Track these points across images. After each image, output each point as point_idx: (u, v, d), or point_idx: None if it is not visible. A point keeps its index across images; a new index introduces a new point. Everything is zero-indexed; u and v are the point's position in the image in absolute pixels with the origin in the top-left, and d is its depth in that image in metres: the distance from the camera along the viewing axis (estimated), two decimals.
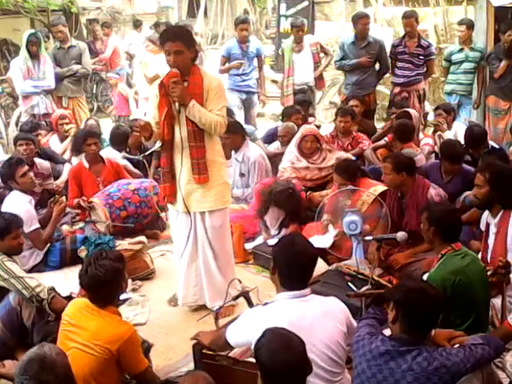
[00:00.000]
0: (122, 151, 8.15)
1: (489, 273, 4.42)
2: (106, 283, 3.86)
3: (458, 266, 4.27)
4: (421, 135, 7.78)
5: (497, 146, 7.26)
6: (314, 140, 7.28)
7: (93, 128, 8.66)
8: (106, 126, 10.02)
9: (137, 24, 15.18)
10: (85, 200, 6.82)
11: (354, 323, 3.70)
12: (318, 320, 3.49)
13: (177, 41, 4.90)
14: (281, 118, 9.01)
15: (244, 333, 3.56)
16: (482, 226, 5.15)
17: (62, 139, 8.66)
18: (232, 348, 3.85)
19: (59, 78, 9.54)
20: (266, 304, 3.66)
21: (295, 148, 7.32)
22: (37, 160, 7.38)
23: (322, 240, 6.07)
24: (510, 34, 8.73)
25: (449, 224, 4.46)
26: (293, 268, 3.57)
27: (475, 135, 6.99)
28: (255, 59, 10.00)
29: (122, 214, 6.79)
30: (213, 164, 5.13)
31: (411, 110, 7.88)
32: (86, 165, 7.34)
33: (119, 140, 8.19)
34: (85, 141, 7.32)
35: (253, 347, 3.15)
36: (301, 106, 8.90)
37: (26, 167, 6.31)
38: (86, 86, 12.31)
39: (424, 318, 3.32)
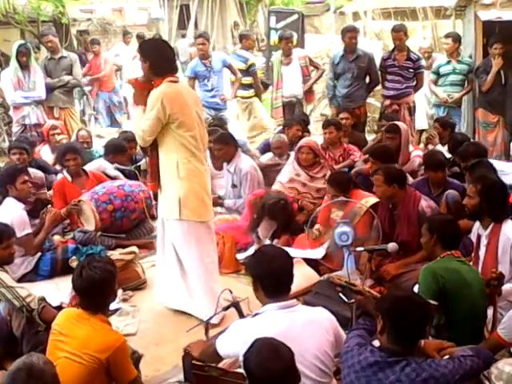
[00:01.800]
0: (115, 163, 8.13)
1: None
2: (101, 285, 3.85)
3: (453, 265, 4.33)
4: (411, 147, 7.80)
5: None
6: (309, 152, 7.31)
7: (84, 139, 8.67)
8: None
9: (124, 34, 15.17)
10: (74, 202, 6.73)
11: (342, 333, 3.71)
12: (306, 330, 3.49)
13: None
14: (281, 128, 9.06)
15: (232, 344, 3.56)
16: (473, 237, 5.18)
17: (54, 150, 8.66)
18: (222, 358, 3.85)
19: (50, 89, 9.56)
20: (255, 315, 3.66)
21: (295, 161, 7.36)
22: (30, 170, 7.37)
23: (314, 251, 6.09)
24: (497, 47, 8.82)
25: (449, 231, 4.52)
26: (273, 275, 3.61)
27: (458, 142, 7.05)
28: (222, 73, 10.08)
29: (109, 208, 6.71)
30: (163, 175, 5.28)
31: (400, 123, 7.89)
32: (69, 178, 7.36)
33: (116, 151, 8.18)
34: (64, 156, 7.36)
35: (241, 358, 3.15)
36: (299, 125, 8.89)
37: (27, 177, 6.38)
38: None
39: (411, 328, 3.31)
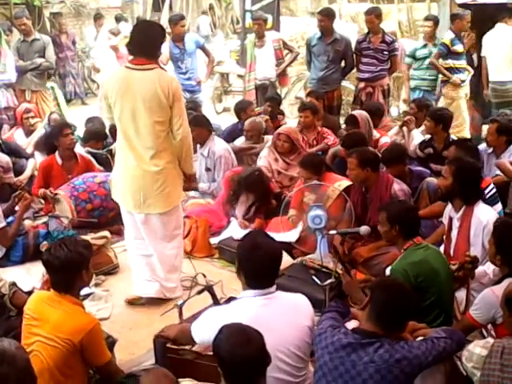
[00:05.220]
0: (87, 147, 8.03)
1: (454, 267, 4.46)
2: (68, 265, 3.80)
3: (419, 256, 4.32)
4: (376, 134, 7.72)
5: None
6: (286, 140, 7.29)
7: (56, 122, 8.55)
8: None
9: (96, 17, 14.97)
10: (51, 191, 6.67)
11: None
12: (283, 316, 3.48)
13: None
14: (236, 114, 8.98)
15: (207, 332, 3.47)
16: (444, 220, 5.21)
17: (28, 133, 8.52)
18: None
19: (22, 72, 9.42)
20: (230, 300, 3.65)
21: (272, 147, 7.35)
22: None
23: (287, 234, 6.10)
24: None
25: (409, 221, 4.49)
26: (258, 271, 3.52)
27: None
28: (196, 54, 9.93)
29: (88, 207, 6.64)
30: None
31: (357, 113, 7.77)
32: (59, 161, 7.13)
33: (94, 136, 8.09)
34: (61, 132, 7.09)
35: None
36: (270, 102, 8.91)
37: None
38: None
39: (392, 307, 3.34)
